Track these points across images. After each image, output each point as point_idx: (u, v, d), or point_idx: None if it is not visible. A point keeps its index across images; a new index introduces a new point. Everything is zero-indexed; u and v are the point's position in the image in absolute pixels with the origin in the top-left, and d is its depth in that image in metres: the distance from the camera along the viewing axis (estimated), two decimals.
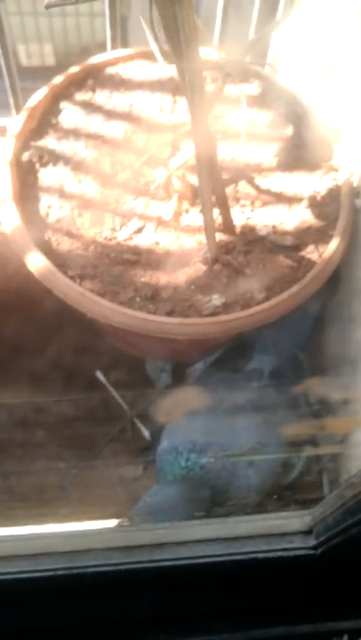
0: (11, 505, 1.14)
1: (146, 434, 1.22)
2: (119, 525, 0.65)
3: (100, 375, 1.26)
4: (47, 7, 0.63)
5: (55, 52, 3.22)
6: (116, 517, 1.05)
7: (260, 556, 0.58)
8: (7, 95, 1.32)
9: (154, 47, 0.78)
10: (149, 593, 0.60)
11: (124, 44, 1.36)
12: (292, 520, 0.59)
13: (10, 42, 1.21)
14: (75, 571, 0.56)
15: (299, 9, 0.81)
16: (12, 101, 1.30)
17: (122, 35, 1.24)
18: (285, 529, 0.59)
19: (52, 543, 0.57)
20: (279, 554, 0.58)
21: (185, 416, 1.21)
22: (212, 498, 1.04)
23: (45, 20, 3.04)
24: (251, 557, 0.57)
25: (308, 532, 0.59)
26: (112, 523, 0.89)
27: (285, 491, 1.16)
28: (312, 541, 0.58)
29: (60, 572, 0.56)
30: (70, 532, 0.59)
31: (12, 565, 0.56)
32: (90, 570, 0.56)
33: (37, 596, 0.58)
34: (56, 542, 0.57)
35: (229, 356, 1.20)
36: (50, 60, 3.23)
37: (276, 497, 1.11)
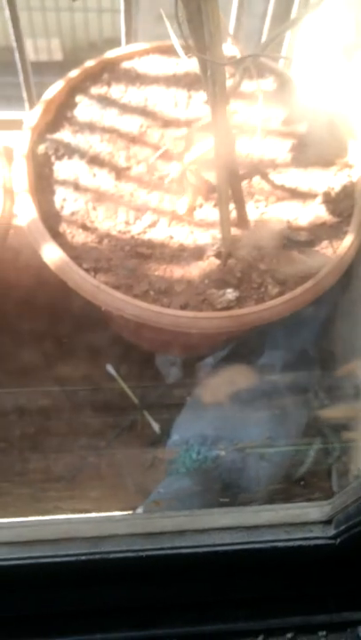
0: (19, 493, 1.15)
1: (155, 427, 1.23)
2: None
3: (110, 369, 1.27)
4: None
5: (63, 47, 3.22)
6: (125, 509, 1.07)
7: (280, 544, 0.58)
8: (17, 89, 1.32)
9: (175, 41, 0.79)
10: (169, 579, 0.60)
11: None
12: (312, 510, 0.60)
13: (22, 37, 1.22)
14: (97, 556, 0.56)
15: (314, 8, 0.82)
16: (25, 95, 1.31)
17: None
18: (305, 518, 0.59)
19: (74, 528, 0.58)
20: (298, 543, 0.58)
21: (193, 409, 1.22)
22: (222, 491, 1.05)
23: (53, 16, 3.04)
24: (271, 546, 0.58)
25: (327, 522, 0.59)
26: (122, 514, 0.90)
27: (295, 485, 1.17)
28: (331, 531, 0.59)
29: (83, 558, 0.56)
30: (93, 517, 0.59)
31: (35, 550, 0.56)
32: (112, 555, 0.57)
33: (59, 581, 0.59)
34: (79, 528, 0.58)
35: (240, 350, 1.21)
36: (57, 56, 3.24)
37: (285, 491, 1.11)
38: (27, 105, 1.32)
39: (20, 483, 1.16)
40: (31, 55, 3.09)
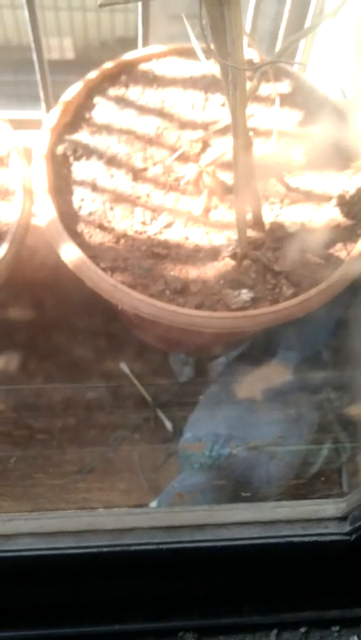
0: (32, 486, 1.17)
1: (168, 425, 1.24)
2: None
3: (124, 367, 1.28)
4: (101, 6, 0.65)
5: (75, 46, 3.24)
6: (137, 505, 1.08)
7: (296, 540, 0.60)
8: (30, 87, 1.34)
9: (195, 44, 0.80)
10: (187, 572, 0.62)
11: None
12: (328, 506, 0.61)
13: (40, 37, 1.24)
14: (118, 548, 0.58)
15: (331, 16, 0.83)
16: (42, 95, 1.32)
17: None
18: (321, 515, 0.61)
19: (97, 521, 0.59)
20: (314, 538, 0.60)
21: (206, 407, 1.24)
22: (235, 489, 1.07)
23: (66, 15, 3.06)
24: (287, 541, 0.60)
25: (343, 519, 0.61)
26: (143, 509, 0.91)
27: (305, 485, 1.18)
28: (347, 527, 0.60)
29: (105, 550, 0.58)
30: (115, 510, 0.61)
31: (59, 542, 0.58)
32: (133, 548, 0.58)
33: (81, 572, 0.60)
34: (102, 520, 0.59)
35: (253, 350, 1.22)
36: (69, 54, 3.25)
37: (295, 490, 1.13)
38: (43, 105, 1.34)
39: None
40: (44, 54, 3.11)
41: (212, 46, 0.73)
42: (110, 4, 0.69)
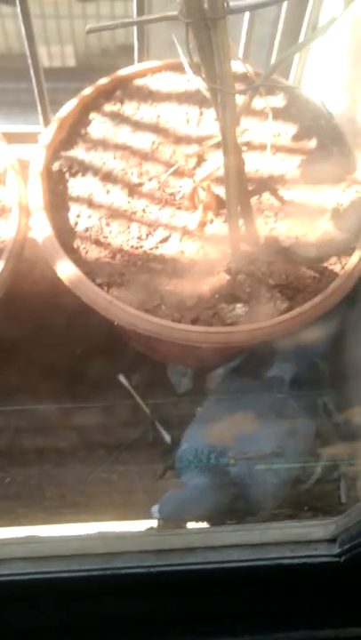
0: (30, 505, 1.18)
1: (167, 438, 1.25)
2: (149, 528, 0.68)
3: (122, 379, 1.29)
4: (89, 32, 0.66)
5: (76, 53, 3.25)
6: (136, 518, 1.09)
7: (285, 562, 0.60)
8: (33, 95, 1.34)
9: (186, 65, 0.81)
10: (179, 595, 0.62)
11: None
12: (317, 528, 0.62)
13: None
14: (109, 572, 0.59)
15: (322, 33, 0.83)
16: (39, 108, 1.33)
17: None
18: (310, 537, 0.61)
19: (87, 545, 0.60)
20: (303, 560, 0.60)
21: (204, 419, 1.25)
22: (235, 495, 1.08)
23: (67, 23, 3.07)
24: (276, 563, 0.60)
25: (331, 541, 0.61)
26: (134, 524, 0.92)
27: (302, 497, 1.18)
28: (336, 549, 0.61)
29: (95, 573, 0.58)
30: (105, 534, 0.61)
31: (50, 565, 0.59)
32: (123, 571, 0.59)
33: (72, 596, 0.61)
34: (92, 544, 0.60)
35: (250, 362, 1.23)
36: (70, 62, 3.26)
37: (293, 503, 1.13)
38: (41, 119, 1.35)
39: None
40: (45, 61, 3.12)
41: (201, 69, 0.74)
42: (98, 31, 0.70)
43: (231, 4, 0.67)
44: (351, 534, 0.58)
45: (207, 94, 0.81)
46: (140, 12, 1.17)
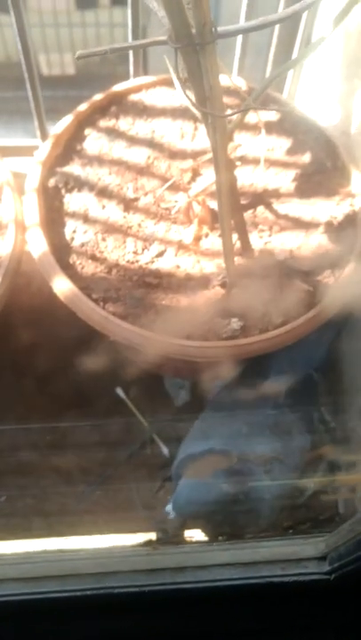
0: (29, 521, 1.18)
1: (165, 450, 1.25)
2: (144, 547, 0.69)
3: (120, 392, 1.30)
4: (78, 58, 0.67)
5: (75, 61, 3.27)
6: (135, 532, 1.10)
7: (276, 580, 0.61)
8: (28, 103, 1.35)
9: (179, 90, 0.81)
10: (171, 613, 0.63)
11: (144, 54, 1.38)
12: (307, 547, 0.63)
13: (33, 54, 1.24)
14: (102, 591, 0.59)
15: (316, 47, 0.84)
16: (36, 123, 1.34)
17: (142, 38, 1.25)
18: (300, 555, 0.62)
19: (81, 565, 0.61)
20: (294, 578, 0.61)
21: (201, 429, 1.26)
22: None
23: (66, 31, 3.09)
24: (267, 581, 0.61)
25: (322, 559, 0.62)
26: (133, 538, 0.93)
27: (300, 508, 1.19)
28: (326, 567, 0.61)
29: (89, 593, 0.59)
30: (98, 554, 0.62)
31: (44, 586, 0.60)
32: (116, 591, 0.60)
33: (66, 615, 0.62)
34: (85, 564, 0.61)
35: (247, 374, 1.23)
36: (70, 70, 3.29)
37: (290, 515, 1.14)
38: (38, 132, 1.36)
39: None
40: (44, 69, 3.15)
41: (191, 92, 0.75)
42: (88, 56, 0.71)
43: (219, 28, 0.68)
44: (340, 552, 0.59)
45: (198, 115, 0.82)
46: (135, 31, 1.18)
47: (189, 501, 1.12)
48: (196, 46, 0.68)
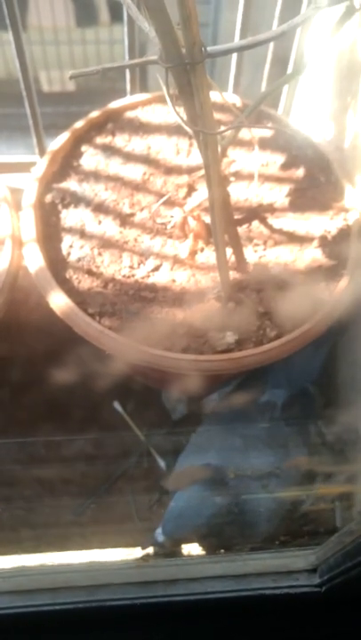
0: (26, 535, 1.18)
1: (161, 464, 1.26)
2: (136, 559, 0.69)
3: (117, 405, 1.30)
4: (71, 78, 0.69)
5: (75, 78, 3.29)
6: (132, 546, 1.10)
7: (268, 592, 0.61)
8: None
9: (170, 103, 0.83)
10: (162, 626, 0.64)
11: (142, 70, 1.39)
12: (298, 559, 0.63)
13: (31, 71, 1.27)
14: (94, 604, 0.60)
15: (310, 63, 0.86)
16: (34, 140, 1.36)
17: (140, 55, 1.27)
18: (291, 567, 0.62)
19: (73, 577, 0.61)
20: (285, 591, 0.61)
21: (198, 443, 1.26)
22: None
23: (66, 48, 3.12)
24: (259, 593, 0.61)
25: (312, 571, 0.62)
26: (129, 552, 0.93)
27: (298, 520, 1.19)
28: (317, 579, 0.62)
29: (81, 606, 0.60)
30: (90, 567, 0.63)
31: (36, 598, 0.60)
32: (108, 603, 0.60)
33: (58, 628, 0.62)
34: (77, 577, 0.61)
35: (243, 388, 1.24)
36: (70, 86, 3.32)
37: (286, 529, 1.14)
38: (36, 149, 1.38)
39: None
40: (45, 86, 3.18)
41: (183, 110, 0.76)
42: (80, 76, 0.72)
43: (209, 48, 0.69)
44: (330, 564, 0.59)
45: (191, 133, 0.83)
46: (132, 49, 1.20)
47: (178, 527, 1.12)
48: (186, 65, 0.69)
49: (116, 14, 2.86)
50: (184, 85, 0.73)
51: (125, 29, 1.17)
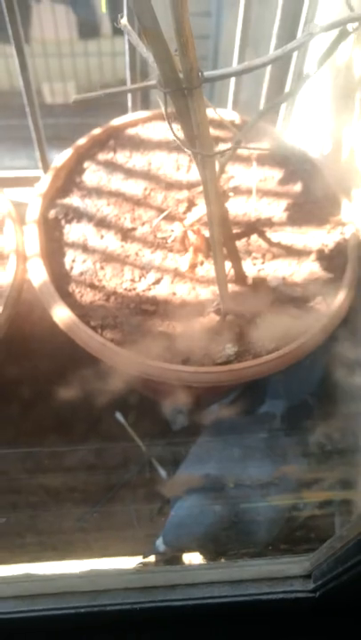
0: (32, 541, 1.20)
1: (162, 473, 1.28)
2: (137, 565, 0.71)
3: (119, 416, 1.33)
4: (74, 103, 0.71)
5: (78, 90, 3.34)
6: (134, 555, 1.12)
7: (264, 597, 0.63)
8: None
9: (169, 123, 0.85)
10: (162, 631, 0.66)
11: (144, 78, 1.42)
12: (293, 565, 0.65)
13: (34, 85, 1.30)
14: (96, 609, 0.62)
15: (308, 81, 0.89)
16: (38, 154, 1.39)
17: (141, 70, 1.30)
18: (286, 573, 0.65)
19: (75, 583, 0.63)
20: (280, 596, 0.64)
21: (198, 453, 1.28)
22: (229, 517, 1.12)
23: (69, 61, 3.16)
24: (255, 599, 0.63)
25: (307, 577, 0.64)
26: (131, 560, 0.95)
27: (298, 528, 1.21)
28: (311, 585, 0.64)
29: (82, 610, 0.62)
30: (91, 572, 0.65)
31: (40, 603, 0.62)
32: (108, 608, 0.62)
33: (61, 632, 0.64)
34: (79, 582, 0.63)
35: (243, 399, 1.26)
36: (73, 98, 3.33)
37: (286, 537, 1.16)
38: (40, 164, 1.41)
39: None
40: (48, 98, 3.22)
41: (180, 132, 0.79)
42: (83, 100, 0.75)
43: (205, 73, 0.72)
44: (323, 570, 0.61)
45: (189, 153, 0.86)
46: (133, 66, 1.23)
47: (179, 536, 1.14)
48: (183, 90, 0.72)
49: (117, 27, 2.89)
50: (182, 108, 0.75)
51: (126, 47, 1.20)
